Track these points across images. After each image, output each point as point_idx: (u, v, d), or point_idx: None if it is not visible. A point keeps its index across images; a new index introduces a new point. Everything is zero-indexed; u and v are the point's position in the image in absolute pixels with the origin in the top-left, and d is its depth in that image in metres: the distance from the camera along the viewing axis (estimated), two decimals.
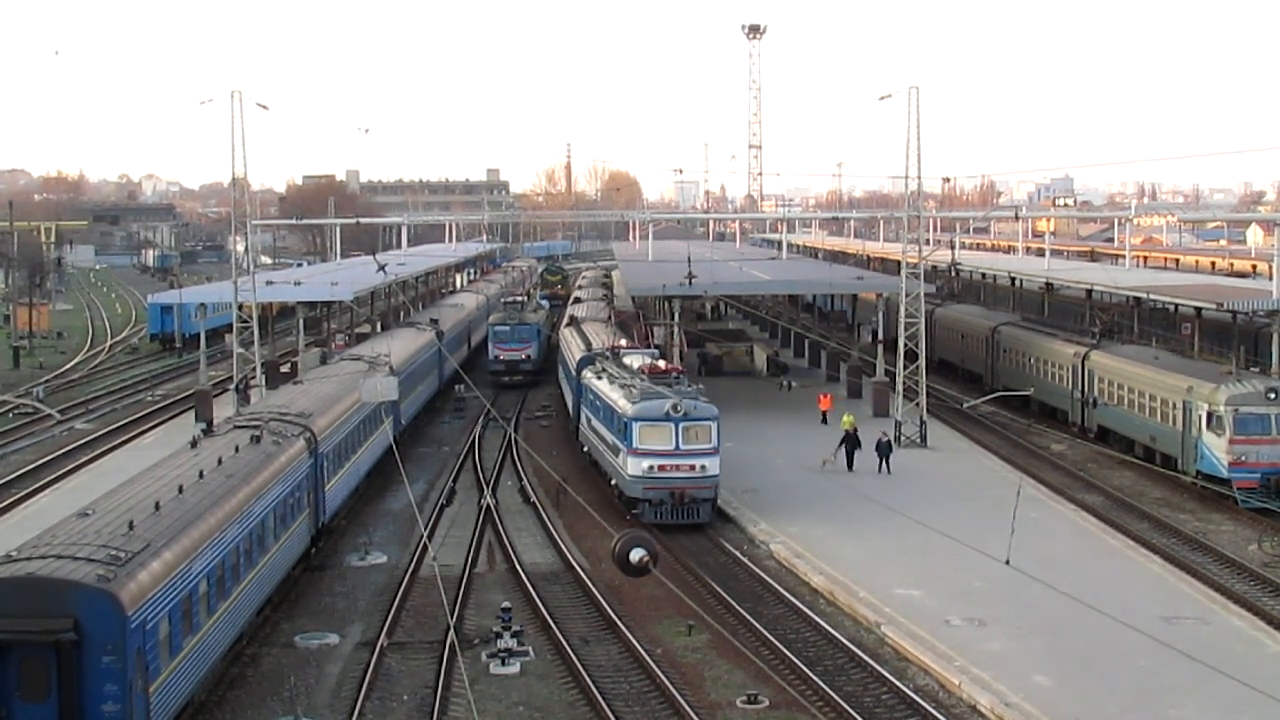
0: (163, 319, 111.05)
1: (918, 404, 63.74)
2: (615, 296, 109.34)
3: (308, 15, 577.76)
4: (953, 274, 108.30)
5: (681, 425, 48.34)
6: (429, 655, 35.95)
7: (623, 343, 65.13)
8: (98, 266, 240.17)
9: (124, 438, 67.68)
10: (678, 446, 48.30)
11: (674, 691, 32.72)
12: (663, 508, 48.28)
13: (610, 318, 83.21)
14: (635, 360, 56.94)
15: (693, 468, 48.38)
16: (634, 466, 48.68)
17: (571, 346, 69.74)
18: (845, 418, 59.16)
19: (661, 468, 48.31)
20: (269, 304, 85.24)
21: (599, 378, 55.71)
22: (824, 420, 69.25)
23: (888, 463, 56.45)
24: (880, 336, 78.54)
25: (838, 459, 56.83)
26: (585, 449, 58.83)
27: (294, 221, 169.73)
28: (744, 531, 48.16)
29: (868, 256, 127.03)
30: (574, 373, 62.78)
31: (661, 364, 55.74)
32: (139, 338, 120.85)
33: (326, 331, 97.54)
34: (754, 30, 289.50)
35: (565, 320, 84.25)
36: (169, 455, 39.42)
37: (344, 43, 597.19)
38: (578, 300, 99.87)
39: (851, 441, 56.90)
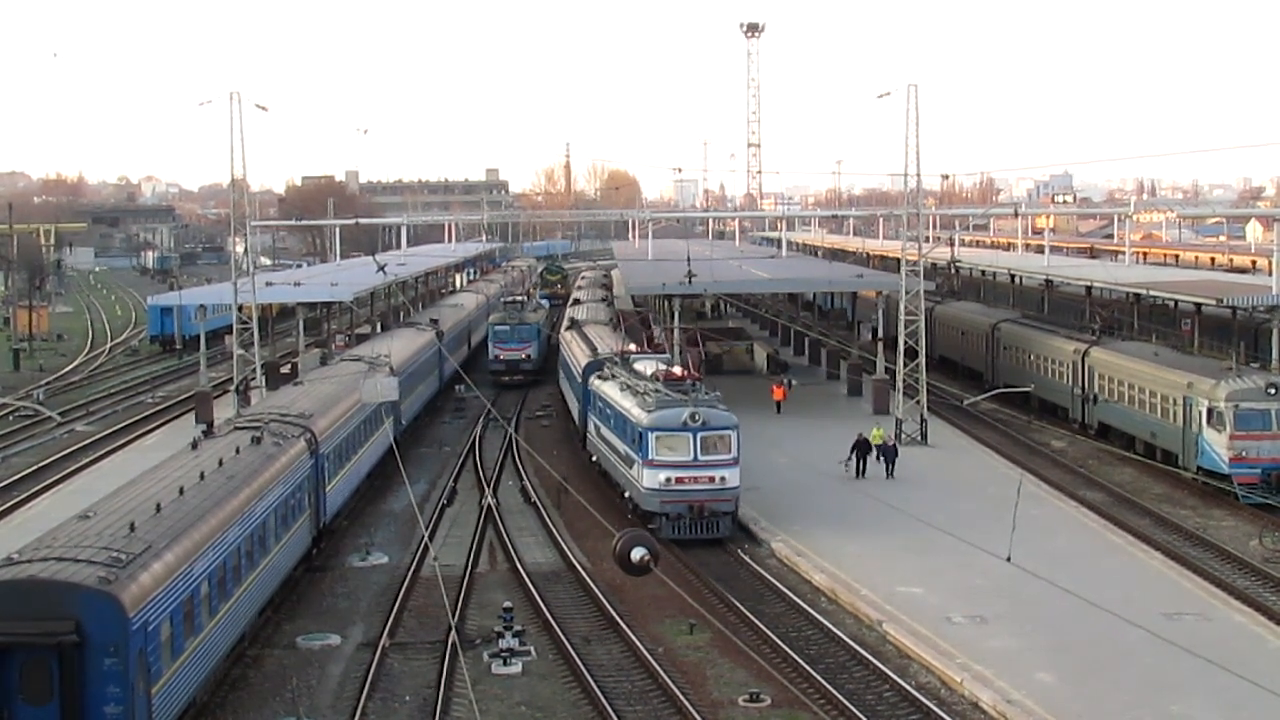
0: (163, 320, 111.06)
1: (918, 401, 63.75)
2: (615, 297, 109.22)
3: (307, 16, 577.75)
4: (952, 271, 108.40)
5: (700, 435, 46.18)
6: (431, 655, 35.97)
7: (631, 347, 63.45)
8: (97, 268, 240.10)
9: (125, 440, 67.68)
10: (696, 457, 46.22)
11: (676, 690, 32.72)
12: (680, 522, 46.28)
13: (611, 320, 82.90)
14: (648, 366, 54.69)
15: (712, 479, 46.30)
16: (650, 479, 46.56)
17: (574, 350, 68.38)
18: (875, 430, 57.64)
19: (679, 480, 46.18)
20: (269, 305, 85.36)
21: (609, 385, 53.96)
22: (778, 410, 69.81)
23: (891, 467, 55.77)
24: (880, 334, 78.54)
25: (850, 466, 55.58)
26: (594, 459, 57.27)
27: (293, 222, 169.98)
28: (745, 530, 48.08)
29: (867, 254, 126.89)
30: (580, 379, 61.14)
31: (677, 370, 53.59)
32: (139, 339, 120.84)
33: (326, 332, 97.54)
34: (752, 28, 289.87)
35: (565, 323, 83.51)
36: (170, 457, 39.45)
37: (343, 43, 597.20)
38: (577, 302, 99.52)
39: (864, 447, 55.62)
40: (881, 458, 55.81)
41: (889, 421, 63.00)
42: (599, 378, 56.44)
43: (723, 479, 46.48)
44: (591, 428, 57.60)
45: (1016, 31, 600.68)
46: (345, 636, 37.99)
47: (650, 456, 46.63)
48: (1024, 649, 34.97)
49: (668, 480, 46.34)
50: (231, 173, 69.20)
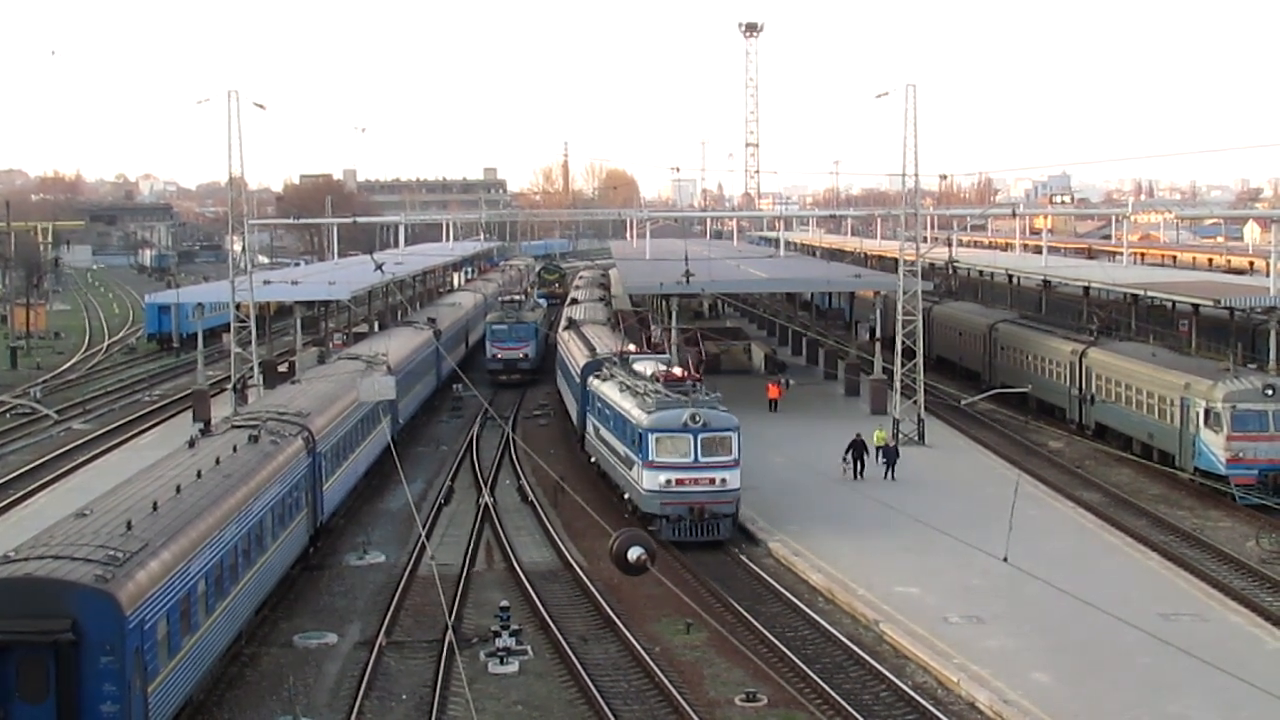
0: (160, 319, 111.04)
1: (915, 402, 63.76)
2: (613, 296, 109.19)
3: (304, 14, 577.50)
4: (950, 272, 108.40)
5: (701, 436, 45.82)
6: (427, 654, 35.97)
7: (631, 348, 62.69)
8: (95, 266, 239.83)
9: (122, 438, 67.66)
10: (697, 459, 45.85)
11: (672, 690, 32.73)
12: (681, 524, 45.87)
13: (610, 320, 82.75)
14: (647, 367, 54.15)
15: (712, 481, 45.92)
16: (650, 480, 46.21)
17: (573, 351, 67.98)
18: (878, 432, 57.79)
19: (679, 481, 45.81)
20: (266, 303, 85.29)
21: (608, 385, 53.56)
22: (773, 408, 70.18)
23: (892, 469, 55.30)
24: (878, 334, 78.55)
25: (847, 468, 55.11)
26: (593, 460, 56.85)
27: (291, 221, 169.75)
28: (742, 530, 48.00)
29: (865, 254, 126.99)
30: (578, 379, 60.65)
31: (677, 371, 52.95)
32: (136, 338, 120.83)
33: (324, 331, 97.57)
34: (751, 28, 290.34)
35: (563, 323, 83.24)
36: (167, 455, 39.44)
37: (341, 42, 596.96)
38: (574, 302, 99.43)
39: (859, 448, 55.14)
40: (883, 459, 55.49)
41: (887, 422, 62.94)
42: (598, 378, 56.06)
43: (723, 481, 46.03)
44: (590, 428, 57.23)
45: (1015, 32, 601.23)
46: (342, 635, 37.98)
47: (650, 458, 46.26)
48: (1021, 649, 34.98)
49: (668, 482, 45.98)
50: (229, 171, 69.27)
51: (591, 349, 64.27)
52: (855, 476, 55.02)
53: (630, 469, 48.47)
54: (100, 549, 26.93)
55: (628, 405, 49.26)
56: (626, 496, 49.69)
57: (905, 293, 65.57)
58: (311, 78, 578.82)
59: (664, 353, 62.86)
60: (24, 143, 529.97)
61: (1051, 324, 77.04)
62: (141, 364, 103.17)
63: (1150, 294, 75.08)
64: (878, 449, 56.08)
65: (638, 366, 54.82)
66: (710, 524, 46.06)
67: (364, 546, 47.16)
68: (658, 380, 50.16)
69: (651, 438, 46.25)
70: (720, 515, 46.18)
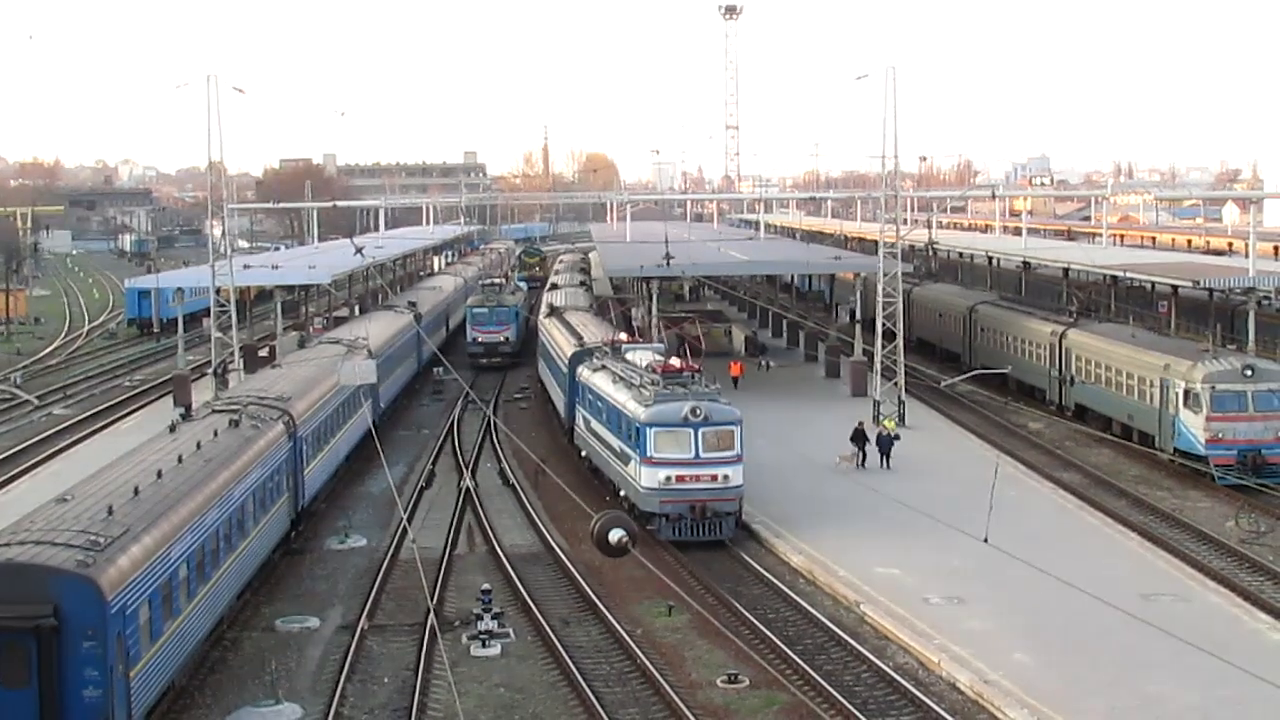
0: (140, 304, 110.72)
1: (896, 383, 63.85)
2: (594, 280, 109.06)
3: None
4: (930, 253, 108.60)
5: (702, 431, 43.72)
6: (409, 638, 36.01)
7: (622, 337, 60.00)
8: (74, 252, 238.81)
9: (102, 423, 67.49)
10: (698, 454, 43.70)
11: (654, 671, 32.80)
12: (681, 523, 43.81)
13: (593, 306, 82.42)
14: (643, 357, 51.45)
15: (714, 478, 43.70)
16: (648, 477, 43.97)
17: (557, 339, 65.74)
18: (887, 422, 57.16)
19: (680, 478, 43.61)
20: (247, 288, 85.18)
21: (600, 376, 51.28)
22: (735, 385, 70.20)
23: (888, 457, 54.40)
24: (858, 316, 78.66)
25: (854, 459, 54.08)
26: (583, 454, 54.74)
27: (271, 205, 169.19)
28: None
29: (845, 236, 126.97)
30: (566, 369, 58.44)
31: (675, 361, 49.85)
32: (116, 323, 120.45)
33: (304, 315, 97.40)
34: (730, 10, 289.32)
35: (544, 309, 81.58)
36: (147, 440, 39.33)
37: (320, 25, 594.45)
38: (555, 287, 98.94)
39: (860, 438, 54.13)
40: (878, 448, 54.17)
41: (866, 404, 63.04)
42: (589, 368, 53.74)
43: (725, 477, 43.91)
44: (580, 421, 54.92)
45: (995, 14, 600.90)
46: (324, 619, 37.98)
47: (649, 454, 44.10)
48: (1001, 630, 35.12)
49: (667, 479, 43.81)
50: (209, 156, 69.29)
51: (579, 337, 61.55)
52: (859, 466, 53.71)
53: (626, 465, 46.51)
54: (82, 534, 26.90)
55: (622, 398, 47.30)
56: (622, 494, 47.58)
57: (885, 275, 65.64)
58: (291, 62, 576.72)
59: (649, 340, 62.10)
60: (3, 128, 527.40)
61: (1031, 305, 77.22)
62: (122, 349, 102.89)
63: (1130, 275, 75.31)
64: (879, 437, 54.85)
65: (631, 356, 52.49)
66: (712, 523, 43.99)
67: (345, 530, 47.12)
68: (654, 371, 48.07)
69: (650, 432, 44.08)
70: (723, 514, 44.08)
